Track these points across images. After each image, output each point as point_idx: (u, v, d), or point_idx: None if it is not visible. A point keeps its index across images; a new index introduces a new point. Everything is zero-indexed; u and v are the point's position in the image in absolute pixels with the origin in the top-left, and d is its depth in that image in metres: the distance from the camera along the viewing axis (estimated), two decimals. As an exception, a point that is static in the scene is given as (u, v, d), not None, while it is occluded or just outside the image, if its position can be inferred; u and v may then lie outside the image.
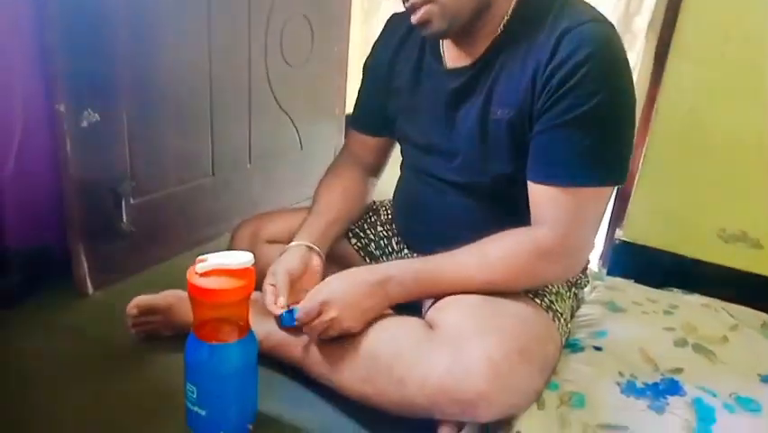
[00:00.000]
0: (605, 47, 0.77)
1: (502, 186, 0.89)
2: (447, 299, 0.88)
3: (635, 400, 0.87)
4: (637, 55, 1.37)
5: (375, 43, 1.08)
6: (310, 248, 0.99)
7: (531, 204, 0.84)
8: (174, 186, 1.31)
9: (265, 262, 1.08)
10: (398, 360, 0.79)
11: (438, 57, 0.94)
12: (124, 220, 1.16)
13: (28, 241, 1.07)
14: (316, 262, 0.99)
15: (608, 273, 1.42)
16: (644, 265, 1.38)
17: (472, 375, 0.72)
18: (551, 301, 0.91)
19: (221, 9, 1.31)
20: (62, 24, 0.98)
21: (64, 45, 0.99)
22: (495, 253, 0.83)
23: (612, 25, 0.82)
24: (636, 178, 1.36)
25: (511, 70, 0.84)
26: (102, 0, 1.04)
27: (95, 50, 1.05)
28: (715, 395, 0.88)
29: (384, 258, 1.14)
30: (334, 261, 1.08)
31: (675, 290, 1.27)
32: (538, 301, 0.89)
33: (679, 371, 0.93)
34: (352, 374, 0.84)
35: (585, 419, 0.82)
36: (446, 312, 0.84)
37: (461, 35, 0.88)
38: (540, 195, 0.82)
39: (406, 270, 0.87)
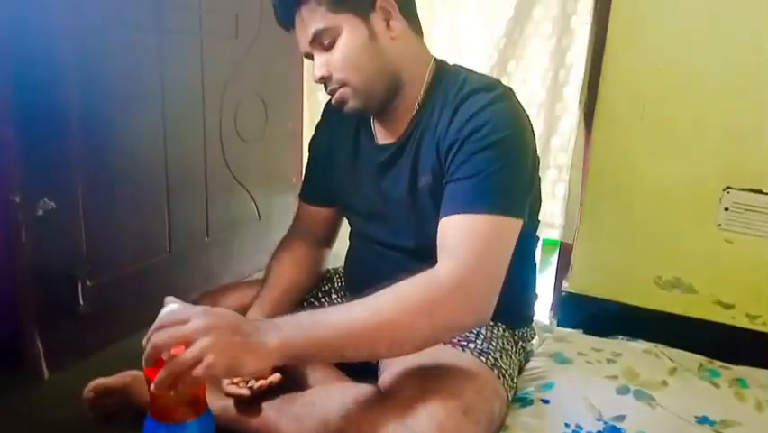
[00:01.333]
0: (496, 102, 0.87)
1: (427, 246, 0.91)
2: (393, 360, 0.92)
3: None
4: (573, 121, 1.48)
5: (317, 125, 1.17)
6: None
7: (437, 240, 0.86)
8: (131, 265, 1.34)
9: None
10: (350, 427, 0.82)
11: (370, 135, 1.03)
12: (81, 303, 1.17)
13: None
14: None
15: (559, 325, 1.48)
16: (591, 315, 1.44)
17: None
18: (495, 359, 0.96)
19: (174, 90, 1.38)
20: (16, 117, 1.02)
21: (19, 137, 1.03)
22: (386, 293, 0.80)
23: (507, 88, 0.92)
24: (576, 232, 1.45)
25: (428, 141, 0.93)
26: (55, 90, 1.10)
27: (49, 140, 1.09)
28: (655, 440, 0.93)
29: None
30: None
31: (621, 337, 1.34)
32: (483, 359, 0.93)
33: (621, 418, 0.98)
34: None
35: None
36: (393, 374, 0.88)
37: (384, 114, 0.98)
38: (442, 228, 0.86)
39: (285, 318, 0.78)
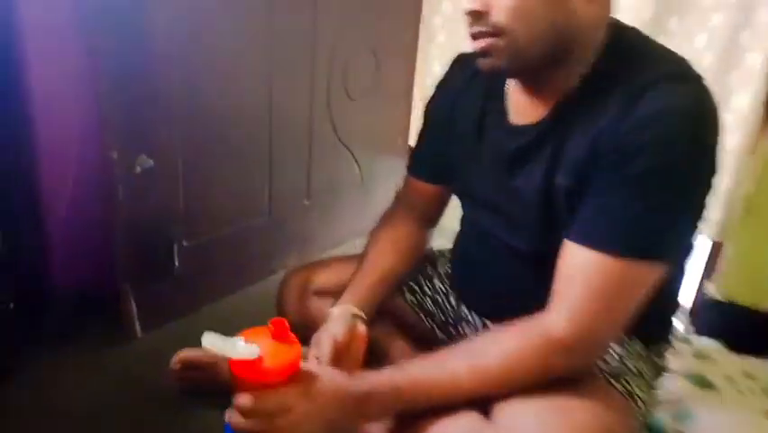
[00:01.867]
0: (690, 104, 0.65)
1: (550, 248, 0.74)
2: None
3: None
4: (752, 97, 1.21)
5: (438, 85, 1.00)
6: (355, 315, 0.92)
7: (557, 269, 0.71)
8: (228, 227, 1.29)
9: (313, 316, 1.03)
10: None
11: (502, 109, 0.84)
12: (176, 264, 1.14)
13: (80, 283, 1.06)
14: (362, 328, 0.91)
15: (697, 333, 1.27)
16: (737, 325, 1.22)
17: None
18: (628, 383, 0.79)
19: (283, 42, 1.28)
20: (115, 71, 0.97)
21: (117, 91, 0.98)
22: (492, 353, 0.71)
23: (703, 83, 0.69)
24: (731, 230, 1.22)
25: (581, 131, 0.72)
26: (155, 44, 1.03)
27: (148, 96, 1.04)
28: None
29: (440, 315, 1.05)
30: (388, 317, 1.01)
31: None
32: (616, 385, 0.78)
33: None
34: None
35: None
36: (511, 406, 0.74)
37: (532, 81, 0.78)
38: (566, 256, 0.70)
39: (385, 387, 0.72)
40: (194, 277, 1.20)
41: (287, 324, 0.67)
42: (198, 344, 0.63)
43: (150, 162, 1.05)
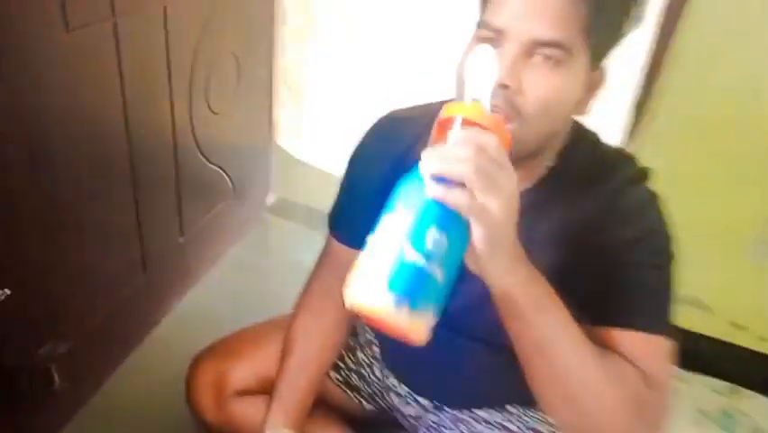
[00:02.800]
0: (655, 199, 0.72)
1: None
2: None
3: None
4: None
5: (365, 144, 0.89)
6: None
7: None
8: (103, 311, 1.11)
9: (238, 422, 0.98)
10: None
11: None
12: (56, 383, 0.97)
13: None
14: None
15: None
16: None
17: None
18: None
19: (134, 66, 1.03)
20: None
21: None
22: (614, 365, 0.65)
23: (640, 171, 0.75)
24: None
25: (548, 219, 0.73)
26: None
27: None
28: None
29: (366, 388, 1.06)
30: (316, 402, 0.99)
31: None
32: None
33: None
34: None
35: None
36: None
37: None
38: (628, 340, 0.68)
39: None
40: (77, 379, 1.04)
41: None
42: None
43: (6, 292, 0.84)
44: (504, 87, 0.60)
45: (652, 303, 0.68)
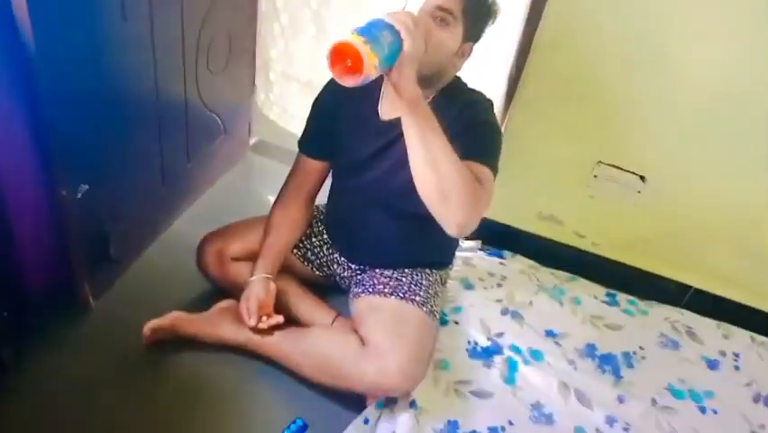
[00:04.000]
0: (488, 113, 1.30)
1: (419, 209, 1.12)
2: (365, 312, 1.40)
3: (475, 361, 1.49)
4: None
5: (325, 91, 1.42)
6: (268, 278, 1.44)
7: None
8: (144, 206, 1.65)
9: (233, 278, 1.52)
10: (344, 362, 1.32)
11: (370, 108, 1.35)
12: (111, 252, 1.50)
13: (42, 283, 1.39)
14: (273, 287, 1.44)
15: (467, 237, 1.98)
16: (492, 232, 1.96)
17: (390, 378, 1.27)
18: (432, 305, 1.44)
19: (162, 35, 1.52)
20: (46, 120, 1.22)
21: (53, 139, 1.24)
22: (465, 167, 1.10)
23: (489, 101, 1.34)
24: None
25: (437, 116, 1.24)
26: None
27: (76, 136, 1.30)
28: (519, 351, 1.53)
29: (317, 261, 1.60)
30: (282, 269, 1.54)
31: (508, 253, 1.89)
32: (425, 309, 1.42)
33: (500, 335, 1.56)
34: (312, 367, 1.36)
35: (447, 378, 1.43)
36: (369, 328, 1.36)
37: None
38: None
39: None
40: (125, 254, 1.57)
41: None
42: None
43: (86, 187, 1.35)
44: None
45: (482, 149, 1.23)
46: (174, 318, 1.43)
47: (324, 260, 1.60)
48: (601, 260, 1.90)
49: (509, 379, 1.46)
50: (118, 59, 1.40)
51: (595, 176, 1.77)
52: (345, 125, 1.38)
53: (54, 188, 1.28)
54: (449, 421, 1.33)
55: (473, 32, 1.27)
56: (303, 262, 1.60)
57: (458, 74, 1.35)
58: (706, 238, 1.76)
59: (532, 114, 1.74)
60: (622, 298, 1.79)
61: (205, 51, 1.74)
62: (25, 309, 1.36)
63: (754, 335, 1.74)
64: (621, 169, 1.73)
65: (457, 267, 1.77)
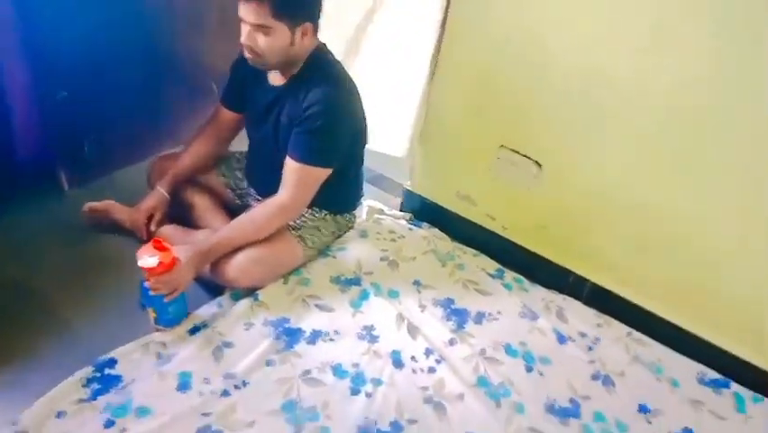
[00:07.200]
0: (328, 102, 1.54)
1: (283, 154, 1.60)
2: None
3: (333, 285, 1.71)
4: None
5: (239, 59, 1.75)
6: (160, 191, 1.81)
7: (283, 171, 1.60)
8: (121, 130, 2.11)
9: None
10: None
11: (266, 75, 1.67)
12: (86, 150, 1.95)
13: (29, 160, 1.87)
14: (164, 197, 1.81)
15: (401, 210, 2.21)
16: (420, 205, 2.17)
17: (229, 270, 1.57)
18: (302, 233, 1.72)
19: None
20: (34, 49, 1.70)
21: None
22: (254, 216, 1.61)
23: (340, 87, 1.59)
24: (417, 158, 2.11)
25: (294, 98, 1.58)
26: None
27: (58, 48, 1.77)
28: (378, 288, 1.72)
29: (238, 190, 1.93)
30: (211, 192, 1.90)
31: (425, 224, 2.08)
32: (293, 233, 1.70)
33: (369, 274, 1.77)
34: None
35: (302, 291, 1.67)
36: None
37: (277, 70, 1.61)
38: (287, 164, 1.59)
39: (213, 243, 1.56)
40: (98, 159, 2.03)
41: (164, 241, 1.46)
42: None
43: (65, 93, 1.81)
44: (247, 46, 1.49)
45: (308, 153, 1.55)
46: (107, 204, 1.83)
47: (243, 192, 1.93)
48: (512, 245, 2.02)
49: (356, 304, 1.67)
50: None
51: (498, 158, 1.93)
52: (249, 87, 1.73)
53: (39, 90, 1.76)
54: (282, 317, 1.58)
55: (299, 19, 1.47)
56: (226, 189, 1.94)
57: (321, 55, 1.61)
58: (598, 230, 1.83)
59: (449, 94, 1.96)
60: (509, 275, 1.90)
61: (202, 15, 2.19)
62: (13, 174, 1.84)
63: (633, 331, 1.76)
64: (519, 153, 1.88)
65: (365, 221, 2.00)
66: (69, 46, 1.78)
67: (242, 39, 1.50)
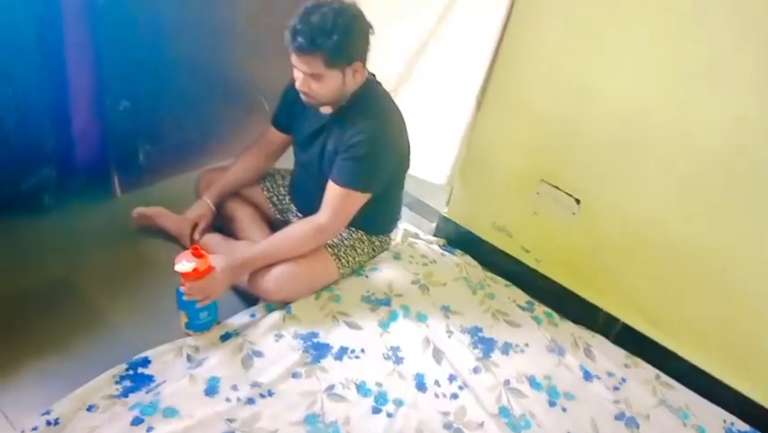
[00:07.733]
0: (372, 133, 1.60)
1: (326, 177, 1.65)
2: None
3: (364, 304, 1.75)
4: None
5: (287, 86, 1.85)
6: (206, 201, 1.90)
7: (325, 193, 1.66)
8: (174, 140, 2.22)
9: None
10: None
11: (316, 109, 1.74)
12: (141, 159, 2.06)
13: (87, 161, 1.99)
14: (210, 208, 1.90)
15: (435, 235, 2.24)
16: (455, 233, 2.20)
17: (265, 283, 1.63)
18: (338, 251, 1.77)
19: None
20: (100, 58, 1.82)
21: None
22: (291, 234, 1.67)
23: (384, 120, 1.66)
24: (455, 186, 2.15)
25: (340, 128, 1.65)
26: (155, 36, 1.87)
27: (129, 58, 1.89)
28: (407, 310, 1.75)
29: (279, 205, 2.00)
30: (254, 205, 1.97)
31: (457, 251, 2.11)
32: (330, 251, 1.75)
33: (399, 296, 1.80)
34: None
35: (334, 308, 1.71)
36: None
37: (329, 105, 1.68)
38: (328, 187, 1.65)
39: (250, 257, 1.62)
40: (152, 168, 2.14)
41: (203, 249, 1.54)
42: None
43: (128, 104, 1.93)
44: (302, 90, 1.58)
45: (349, 178, 1.61)
46: (156, 210, 1.92)
47: (285, 207, 2.00)
48: (545, 279, 2.02)
49: (384, 324, 1.70)
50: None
51: (538, 193, 1.95)
52: (298, 112, 1.80)
53: (103, 99, 1.88)
54: (312, 331, 1.62)
55: (349, 60, 1.53)
56: (269, 203, 2.01)
57: (369, 87, 1.67)
58: (632, 269, 1.82)
59: (493, 126, 1.99)
60: (540, 308, 1.90)
61: (257, 37, 2.29)
62: (71, 176, 1.95)
63: (662, 374, 1.74)
64: (560, 189, 1.89)
65: (400, 244, 2.04)
66: (137, 59, 1.90)
67: (297, 84, 1.58)
